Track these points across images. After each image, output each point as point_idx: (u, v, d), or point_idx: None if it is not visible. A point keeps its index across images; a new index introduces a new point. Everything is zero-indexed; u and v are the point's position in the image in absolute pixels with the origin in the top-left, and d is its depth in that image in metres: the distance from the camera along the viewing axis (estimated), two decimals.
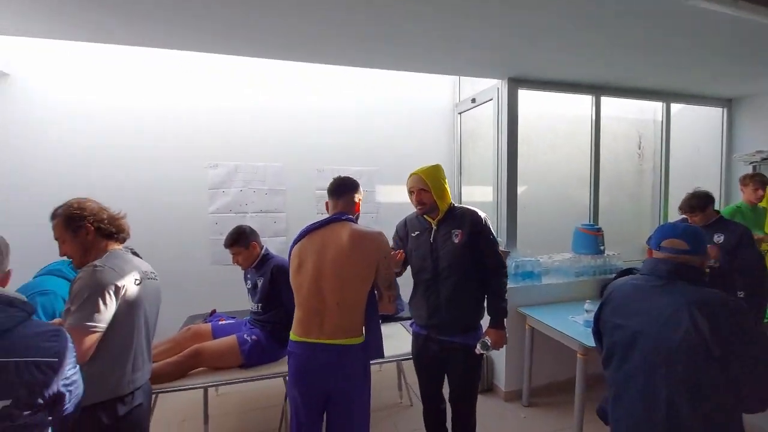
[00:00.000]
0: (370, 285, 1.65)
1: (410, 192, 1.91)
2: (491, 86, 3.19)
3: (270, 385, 2.77)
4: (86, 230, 1.44)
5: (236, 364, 2.19)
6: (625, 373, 1.28)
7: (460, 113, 3.82)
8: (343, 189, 1.76)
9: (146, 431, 1.54)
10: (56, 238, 1.46)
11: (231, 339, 2.21)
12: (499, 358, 3.02)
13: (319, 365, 1.59)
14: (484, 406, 2.84)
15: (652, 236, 1.44)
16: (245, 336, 2.23)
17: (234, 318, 2.67)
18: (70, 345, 1.02)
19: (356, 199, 1.78)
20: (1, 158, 2.95)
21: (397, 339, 2.62)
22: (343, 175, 1.81)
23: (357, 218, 1.78)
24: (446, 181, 1.93)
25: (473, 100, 3.47)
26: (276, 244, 3.51)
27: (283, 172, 3.55)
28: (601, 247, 3.19)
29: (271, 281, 2.25)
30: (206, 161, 3.39)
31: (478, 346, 1.86)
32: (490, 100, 3.21)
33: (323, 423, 1.67)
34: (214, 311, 2.80)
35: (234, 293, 3.11)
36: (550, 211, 3.69)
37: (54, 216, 1.46)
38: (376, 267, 1.64)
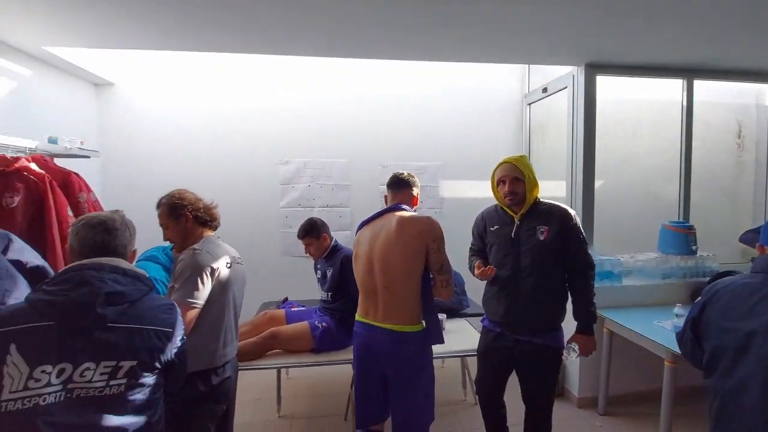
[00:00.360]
0: (419, 269, 1.66)
1: (500, 181, 1.84)
2: (565, 74, 3.01)
3: (337, 372, 2.88)
4: (186, 218, 1.60)
5: (308, 349, 2.30)
6: (736, 381, 1.14)
7: (529, 104, 3.66)
8: (402, 183, 1.83)
9: (233, 401, 1.68)
10: (161, 225, 1.64)
11: (304, 325, 2.32)
12: (572, 361, 2.84)
13: (375, 346, 1.69)
14: (555, 411, 2.70)
15: (747, 233, 1.31)
16: (316, 322, 2.33)
17: (304, 306, 2.80)
18: (180, 318, 1.14)
19: (414, 193, 1.84)
20: (110, 158, 3.36)
21: (463, 334, 2.58)
22: (402, 171, 1.88)
23: (414, 211, 1.82)
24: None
25: (545, 90, 3.31)
26: (341, 237, 3.60)
27: (348, 168, 3.65)
28: (693, 247, 2.88)
29: (340, 271, 2.33)
30: (278, 158, 3.59)
31: (565, 352, 1.78)
32: (564, 88, 3.03)
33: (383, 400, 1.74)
34: (286, 299, 2.96)
35: (303, 283, 3.27)
36: (629, 208, 3.40)
37: (159, 205, 1.64)
38: (425, 251, 1.64)
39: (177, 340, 1.10)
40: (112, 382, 0.95)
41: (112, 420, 0.95)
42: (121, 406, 0.97)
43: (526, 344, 1.80)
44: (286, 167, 3.60)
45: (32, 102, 2.69)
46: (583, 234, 1.83)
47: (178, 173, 3.41)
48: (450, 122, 3.72)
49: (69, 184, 2.10)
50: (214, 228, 1.71)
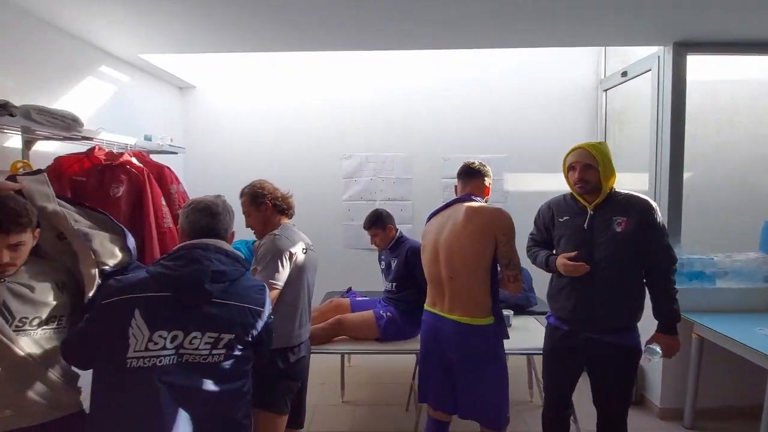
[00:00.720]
0: (485, 261, 1.62)
1: (570, 167, 1.72)
2: (649, 55, 2.76)
3: (400, 362, 2.92)
4: (266, 206, 1.71)
5: (372, 337, 2.34)
6: None
7: (605, 90, 3.41)
8: (473, 173, 1.79)
9: (306, 380, 1.77)
10: (243, 212, 1.76)
11: (369, 313, 2.37)
12: (654, 367, 2.63)
13: (441, 336, 1.69)
14: (633, 420, 2.50)
15: None
16: (381, 312, 2.37)
17: (366, 296, 2.86)
18: (269, 299, 1.22)
19: (486, 183, 1.81)
20: (191, 154, 3.66)
21: (529, 332, 2.47)
22: (473, 160, 1.84)
23: (485, 202, 1.78)
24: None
25: (624, 74, 3.06)
26: (402, 230, 3.64)
27: (409, 162, 3.66)
28: None
29: (405, 262, 2.35)
30: (341, 153, 3.70)
31: (646, 354, 1.65)
32: (648, 71, 2.78)
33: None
34: (350, 288, 3.04)
35: (364, 274, 3.34)
36: (723, 202, 3.05)
37: (242, 194, 1.77)
38: (493, 243, 1.60)
39: (266, 318, 1.18)
40: (213, 352, 1.05)
41: (212, 385, 1.05)
42: (220, 374, 1.07)
43: (598, 343, 1.68)
44: (349, 161, 3.69)
45: (129, 104, 3.01)
46: (666, 227, 1.70)
47: (250, 167, 3.61)
48: (516, 112, 3.58)
49: (163, 177, 2.32)
50: (290, 216, 1.80)
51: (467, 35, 2.51)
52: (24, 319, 1.13)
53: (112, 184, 2.09)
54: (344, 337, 2.37)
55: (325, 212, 3.69)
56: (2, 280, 1.11)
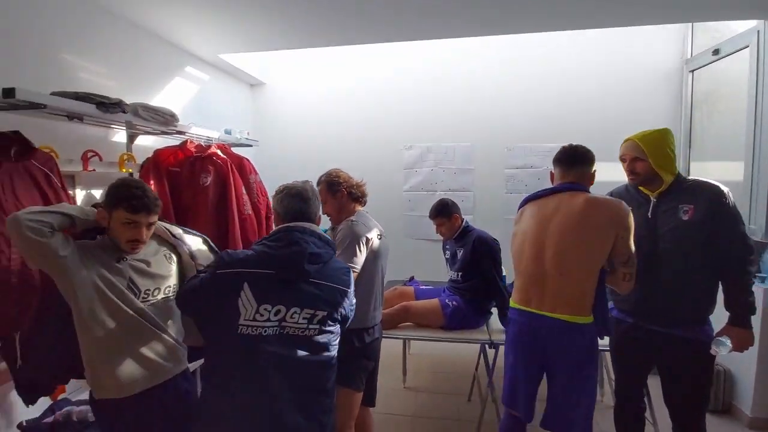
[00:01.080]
0: (603, 258, 1.50)
1: (621, 160, 1.69)
2: (747, 30, 2.49)
3: (462, 351, 2.93)
4: (341, 193, 1.79)
5: (437, 325, 2.37)
6: None
7: (691, 71, 3.13)
8: (577, 159, 1.62)
9: (378, 361, 1.84)
10: (321, 200, 1.85)
11: (434, 302, 2.40)
12: (745, 372, 2.41)
13: (536, 336, 1.55)
14: (718, 429, 2.34)
15: None
16: (446, 300, 2.39)
17: (428, 285, 2.89)
18: (353, 281, 1.30)
19: (592, 170, 1.64)
20: (261, 147, 3.89)
21: None
22: (576, 143, 1.67)
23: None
24: (674, 148, 1.64)
25: (715, 52, 2.78)
26: None
27: (471, 152, 3.61)
28: None
29: (472, 252, 2.34)
30: (402, 143, 3.73)
31: (713, 345, 1.53)
32: (745, 47, 2.51)
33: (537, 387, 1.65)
34: (412, 277, 3.09)
35: (425, 264, 3.39)
36: None
37: (319, 182, 1.86)
38: (613, 239, 1.47)
39: (351, 298, 1.27)
40: (309, 326, 1.15)
41: (306, 356, 1.16)
42: (313, 346, 1.17)
43: (666, 337, 1.60)
44: (410, 152, 3.73)
45: (208, 101, 3.26)
46: (739, 214, 1.56)
47: (315, 159, 3.75)
48: (587, 98, 3.39)
49: (243, 168, 2.50)
50: (364, 203, 1.88)
51: (538, 18, 2.43)
52: (147, 291, 1.31)
53: (201, 175, 2.30)
54: (408, 323, 2.43)
55: (386, 203, 3.75)
56: (125, 259, 1.29)
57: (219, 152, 2.39)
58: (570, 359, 1.52)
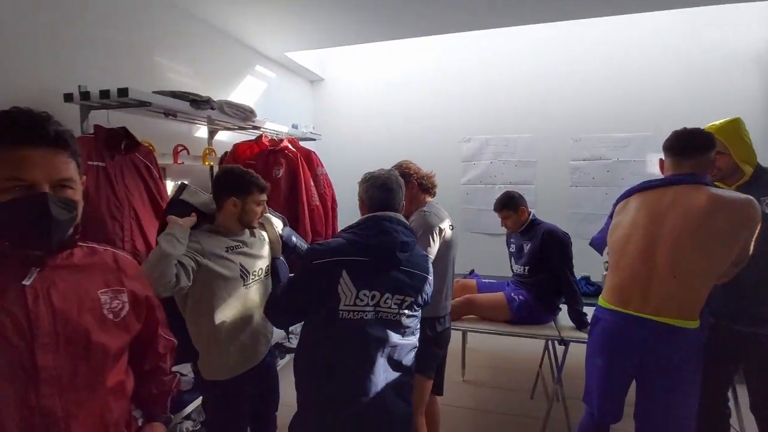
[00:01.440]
0: (725, 265, 1.34)
1: None
2: None
3: (523, 347, 2.86)
4: (412, 184, 1.80)
5: (503, 319, 2.33)
6: None
7: None
8: (693, 145, 1.40)
9: (447, 350, 1.85)
10: None
11: (500, 295, 2.36)
12: None
13: (633, 341, 1.41)
14: None
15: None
16: (512, 294, 2.34)
17: (489, 279, 2.85)
18: (432, 268, 1.32)
19: (712, 158, 1.43)
20: (328, 141, 3.97)
21: None
22: (691, 127, 1.45)
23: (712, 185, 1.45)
24: (749, 138, 1.52)
25: None
26: None
27: (534, 143, 3.49)
28: None
29: (540, 245, 2.26)
30: (460, 135, 3.69)
31: None
32: None
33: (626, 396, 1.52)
34: (473, 270, 3.06)
35: (482, 257, 3.34)
36: None
37: None
38: (739, 244, 1.31)
39: (431, 285, 1.29)
40: (399, 311, 1.20)
41: (396, 338, 1.20)
42: (402, 329, 1.22)
43: (751, 336, 1.49)
44: (468, 144, 3.67)
45: (275, 97, 3.41)
46: None
47: (373, 152, 3.85)
48: (663, 84, 3.16)
49: (311, 160, 2.61)
50: (433, 194, 1.88)
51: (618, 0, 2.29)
52: (254, 273, 1.44)
53: (274, 167, 2.43)
54: (472, 316, 2.41)
55: (444, 195, 3.63)
56: (237, 246, 1.40)
57: (290, 146, 2.51)
58: (673, 367, 1.38)
